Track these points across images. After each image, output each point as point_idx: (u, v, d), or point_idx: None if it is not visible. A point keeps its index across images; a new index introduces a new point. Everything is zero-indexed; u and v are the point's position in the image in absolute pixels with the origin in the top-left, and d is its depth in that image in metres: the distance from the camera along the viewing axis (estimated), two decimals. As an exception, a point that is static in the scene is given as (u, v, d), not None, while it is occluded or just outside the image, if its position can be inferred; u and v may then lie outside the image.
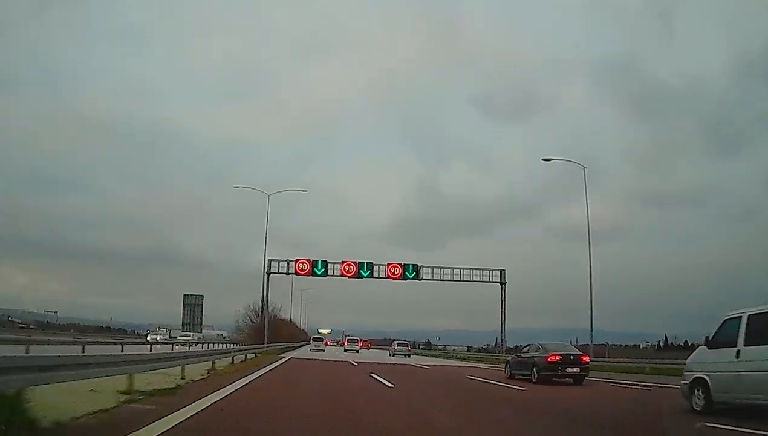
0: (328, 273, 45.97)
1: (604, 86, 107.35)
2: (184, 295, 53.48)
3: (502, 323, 47.61)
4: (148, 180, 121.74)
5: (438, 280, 46.42)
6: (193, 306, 52.95)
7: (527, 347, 20.02)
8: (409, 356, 46.63)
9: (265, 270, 44.62)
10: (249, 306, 54.16)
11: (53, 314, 79.79)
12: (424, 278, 46.09)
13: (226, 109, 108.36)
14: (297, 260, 45.90)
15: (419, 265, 46.70)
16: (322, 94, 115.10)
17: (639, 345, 56.14)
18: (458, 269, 46.96)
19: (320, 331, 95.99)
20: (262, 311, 47.85)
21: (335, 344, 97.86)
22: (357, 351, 57.40)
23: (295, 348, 51.72)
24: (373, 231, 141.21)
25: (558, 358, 17.53)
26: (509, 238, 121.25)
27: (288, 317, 72.85)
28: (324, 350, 57.20)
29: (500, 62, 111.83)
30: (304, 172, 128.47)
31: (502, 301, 47.34)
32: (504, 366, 22.23)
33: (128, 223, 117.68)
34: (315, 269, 45.70)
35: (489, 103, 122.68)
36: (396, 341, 54.41)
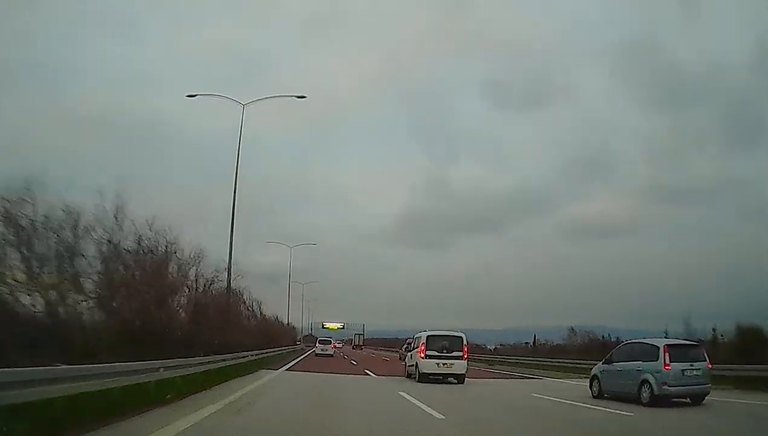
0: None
1: (622, 73, 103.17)
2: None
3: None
4: (143, 177, 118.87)
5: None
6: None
7: None
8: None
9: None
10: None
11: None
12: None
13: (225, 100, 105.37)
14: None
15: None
16: (326, 85, 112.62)
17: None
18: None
19: (326, 325, 70.56)
20: None
21: (340, 343, 66.20)
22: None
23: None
24: (380, 230, 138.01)
25: None
26: (522, 234, 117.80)
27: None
28: (332, 355, 42.49)
29: (512, 48, 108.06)
30: (307, 168, 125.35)
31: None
32: None
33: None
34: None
35: (501, 92, 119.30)
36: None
